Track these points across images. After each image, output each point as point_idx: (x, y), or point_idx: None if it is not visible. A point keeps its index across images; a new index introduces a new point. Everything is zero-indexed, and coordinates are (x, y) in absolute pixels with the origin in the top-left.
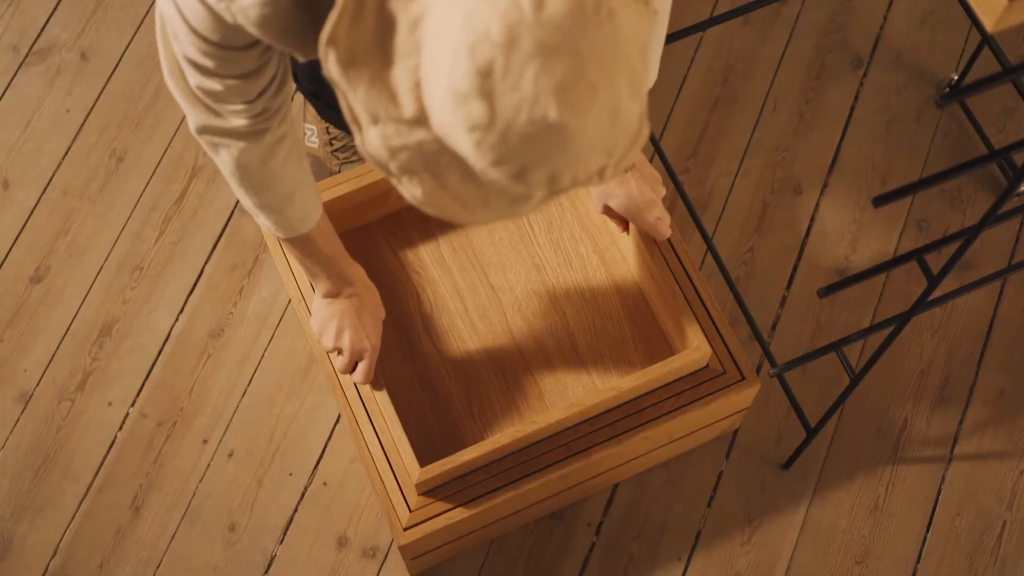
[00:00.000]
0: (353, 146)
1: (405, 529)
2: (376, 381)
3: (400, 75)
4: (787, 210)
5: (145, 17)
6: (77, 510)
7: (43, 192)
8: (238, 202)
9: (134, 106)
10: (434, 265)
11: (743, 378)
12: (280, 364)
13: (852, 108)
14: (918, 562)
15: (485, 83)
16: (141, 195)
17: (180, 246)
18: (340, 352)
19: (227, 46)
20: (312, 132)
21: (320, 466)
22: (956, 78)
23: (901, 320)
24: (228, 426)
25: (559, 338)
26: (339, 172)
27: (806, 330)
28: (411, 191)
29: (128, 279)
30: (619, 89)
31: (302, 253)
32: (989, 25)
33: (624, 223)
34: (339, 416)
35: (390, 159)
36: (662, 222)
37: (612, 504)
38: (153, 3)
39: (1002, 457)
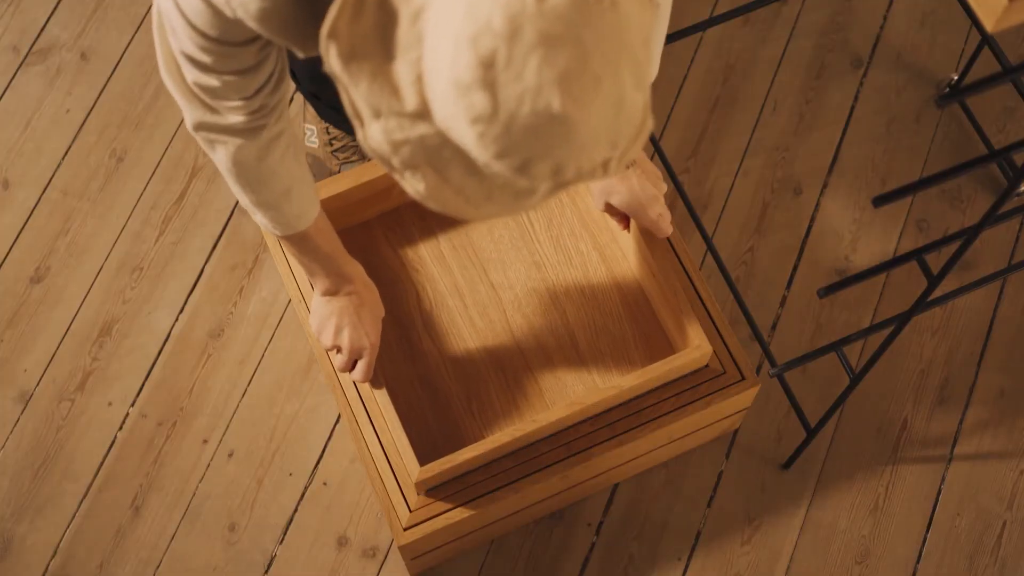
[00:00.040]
0: (353, 146)
1: (405, 529)
2: (375, 379)
3: (402, 68)
4: (787, 210)
5: (145, 17)
6: (77, 510)
7: (43, 192)
8: (238, 202)
9: (134, 106)
10: (434, 263)
11: (743, 378)
12: (280, 364)
13: (852, 108)
14: (918, 562)
15: (487, 74)
16: (141, 195)
17: (180, 246)
18: (339, 350)
19: (225, 42)
20: (312, 132)
21: (320, 466)
22: (956, 78)
23: (901, 320)
24: (228, 426)
25: (559, 336)
26: (339, 172)
27: (806, 330)
28: (414, 186)
29: (128, 279)
30: (623, 79)
31: (300, 251)
32: (989, 25)
33: (625, 221)
34: (339, 416)
35: (392, 154)
36: (664, 219)
37: (612, 504)
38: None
39: (1002, 457)
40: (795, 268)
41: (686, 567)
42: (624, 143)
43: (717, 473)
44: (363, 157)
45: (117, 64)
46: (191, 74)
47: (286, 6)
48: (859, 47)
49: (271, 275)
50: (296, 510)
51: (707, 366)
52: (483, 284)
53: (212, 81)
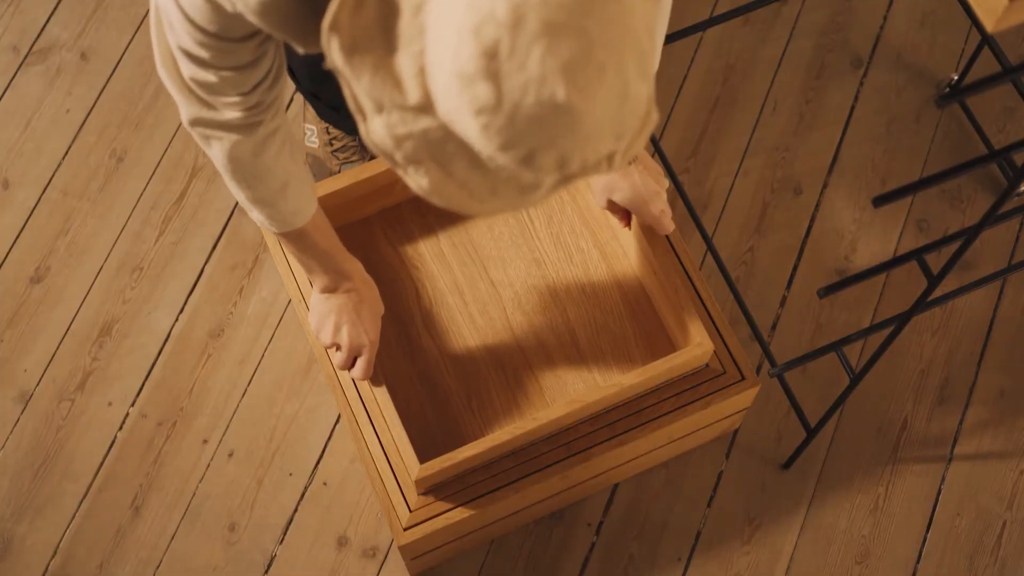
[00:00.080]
0: (353, 146)
1: (405, 529)
2: (375, 377)
3: (404, 61)
4: (787, 210)
5: (145, 17)
6: (77, 510)
7: (43, 192)
8: (238, 202)
9: (134, 106)
10: (433, 260)
11: (743, 378)
12: (280, 364)
13: (852, 108)
14: (918, 562)
15: (491, 64)
16: (141, 195)
17: (180, 246)
18: (338, 348)
19: (223, 37)
20: (312, 132)
21: (320, 466)
22: (956, 78)
23: (901, 320)
24: (228, 426)
25: (559, 334)
26: (339, 172)
27: (806, 330)
28: (417, 181)
29: (128, 279)
30: (627, 69)
31: (298, 248)
32: (989, 25)
33: (626, 218)
34: (339, 416)
35: (395, 148)
36: (666, 215)
37: (612, 504)
38: None
39: (1002, 457)
40: (795, 268)
41: (686, 567)
42: (629, 134)
43: (717, 473)
44: (363, 157)
45: (117, 64)
46: (188, 69)
47: (287, 0)
48: (859, 47)
49: (271, 275)
50: (296, 510)
51: (707, 366)
52: (483, 281)
53: (209, 77)
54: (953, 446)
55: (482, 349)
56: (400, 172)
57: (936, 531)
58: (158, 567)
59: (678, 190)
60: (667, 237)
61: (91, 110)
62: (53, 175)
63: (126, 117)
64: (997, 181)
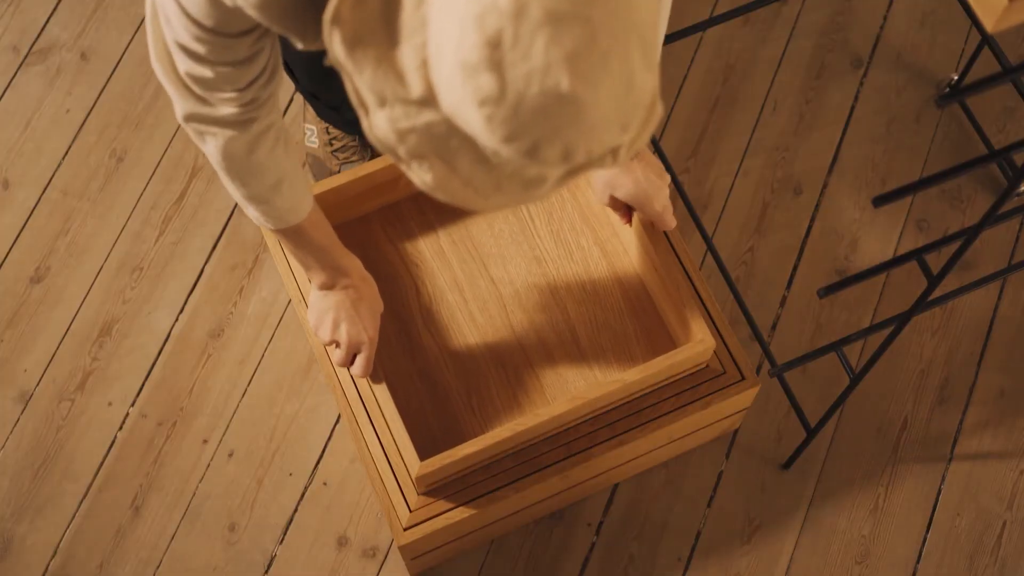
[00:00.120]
0: (353, 146)
1: (405, 529)
2: (375, 374)
3: (407, 53)
4: (787, 210)
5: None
6: (77, 510)
7: (43, 192)
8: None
9: (134, 106)
10: (433, 257)
11: (743, 378)
12: (280, 364)
13: (852, 108)
14: (918, 562)
15: (494, 54)
16: (141, 195)
17: (180, 246)
18: (337, 345)
19: (221, 32)
20: (312, 132)
21: (320, 466)
22: (956, 78)
23: (901, 320)
24: (228, 426)
25: (560, 331)
26: (339, 172)
27: (806, 330)
28: (421, 177)
29: (128, 279)
30: (631, 58)
31: (295, 244)
32: (989, 25)
33: (628, 215)
34: (339, 416)
35: (399, 143)
36: (668, 211)
37: (612, 504)
38: None
39: (1002, 457)
40: (795, 268)
41: (686, 567)
42: (635, 126)
43: (717, 473)
44: (363, 157)
45: (117, 64)
46: (184, 64)
47: None
48: (859, 47)
49: (271, 275)
50: (296, 510)
51: (707, 366)
52: (483, 279)
53: (205, 72)
54: (953, 446)
55: (482, 347)
56: (404, 168)
57: (936, 531)
58: (158, 567)
59: (678, 190)
60: (667, 237)
61: (91, 110)
62: (53, 175)
63: (126, 117)
64: (997, 181)
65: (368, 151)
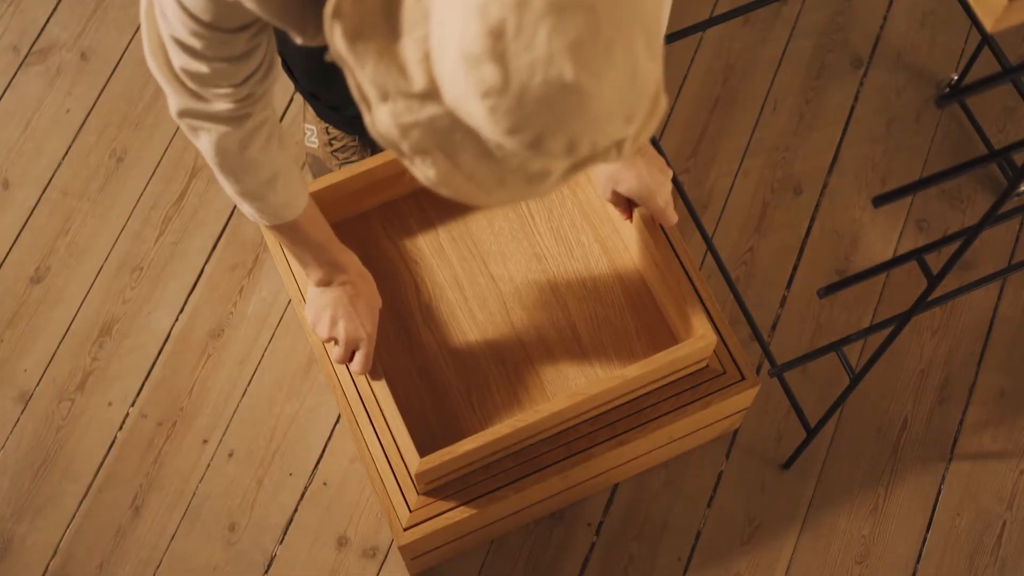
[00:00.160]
0: (353, 146)
1: (405, 529)
2: (374, 371)
3: (409, 46)
4: (787, 210)
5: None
6: (77, 510)
7: (43, 192)
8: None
9: (134, 106)
10: (433, 255)
11: (743, 378)
12: (280, 364)
13: (852, 108)
14: (918, 562)
15: (497, 44)
16: (141, 195)
17: (180, 246)
18: (335, 342)
19: (218, 27)
20: (312, 132)
21: (320, 466)
22: (956, 78)
23: (901, 320)
24: (228, 426)
25: (560, 328)
26: None
27: (806, 330)
28: (424, 172)
29: (128, 279)
30: (636, 48)
31: (291, 241)
32: (989, 25)
33: (628, 211)
34: (339, 416)
35: (401, 138)
36: (671, 206)
37: (612, 504)
38: None
39: (1002, 457)
40: (795, 268)
41: (686, 567)
42: (639, 117)
43: (717, 473)
44: (363, 157)
45: (117, 64)
46: (179, 59)
47: None
48: (859, 47)
49: (271, 275)
50: (296, 510)
51: (707, 366)
52: (483, 276)
53: (201, 67)
54: (953, 446)
55: (482, 344)
56: (407, 163)
57: (936, 531)
58: (158, 567)
59: (678, 190)
60: (667, 237)
61: (91, 110)
62: (53, 175)
63: (126, 117)
64: (997, 181)
65: (368, 150)
